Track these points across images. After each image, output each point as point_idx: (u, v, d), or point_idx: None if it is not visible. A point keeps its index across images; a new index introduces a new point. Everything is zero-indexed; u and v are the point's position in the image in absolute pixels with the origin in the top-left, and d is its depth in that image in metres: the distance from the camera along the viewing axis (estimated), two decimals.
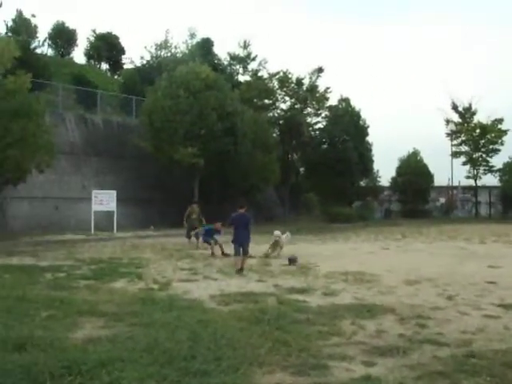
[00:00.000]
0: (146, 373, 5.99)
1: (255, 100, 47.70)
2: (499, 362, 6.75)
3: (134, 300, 10.67)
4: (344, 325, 8.74)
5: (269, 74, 51.29)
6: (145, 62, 52.34)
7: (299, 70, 51.32)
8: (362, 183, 55.70)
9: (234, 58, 57.24)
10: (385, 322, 9.05)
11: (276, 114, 51.00)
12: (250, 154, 38.22)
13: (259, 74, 53.84)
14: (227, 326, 8.33)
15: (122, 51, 61.66)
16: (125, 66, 60.10)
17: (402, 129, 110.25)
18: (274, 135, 48.91)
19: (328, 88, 51.06)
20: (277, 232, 19.55)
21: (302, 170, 55.86)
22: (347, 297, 11.45)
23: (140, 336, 7.66)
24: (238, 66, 57.61)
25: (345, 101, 53.72)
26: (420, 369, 6.51)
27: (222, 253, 19.66)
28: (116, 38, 61.05)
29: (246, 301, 10.70)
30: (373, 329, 8.52)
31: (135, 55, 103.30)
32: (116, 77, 60.70)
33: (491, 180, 63.29)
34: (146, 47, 52.35)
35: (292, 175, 51.44)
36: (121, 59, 61.80)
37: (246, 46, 56.78)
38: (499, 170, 62.19)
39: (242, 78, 55.80)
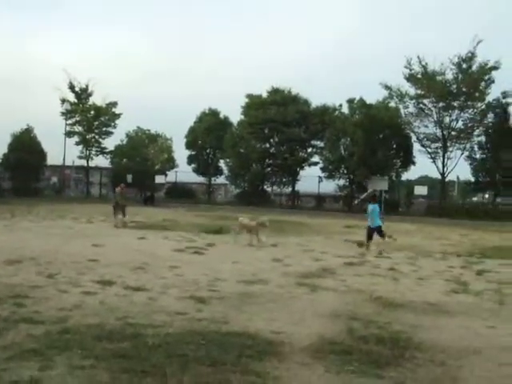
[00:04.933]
0: None
1: None
2: (91, 336, 7.19)
3: None
4: None
5: None
6: None
7: None
8: None
9: None
10: None
11: None
12: None
13: None
14: None
15: None
16: None
17: (16, 104, 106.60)
18: None
19: None
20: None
21: None
22: None
23: None
24: None
25: None
26: (13, 348, 6.59)
27: None
28: None
29: None
30: None
31: None
32: None
33: (103, 161, 65.29)
34: None
35: None
36: None
37: None
38: (111, 152, 64.44)
39: None
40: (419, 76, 50.26)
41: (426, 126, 51.71)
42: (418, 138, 52.54)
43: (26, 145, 58.22)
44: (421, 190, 53.66)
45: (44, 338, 7.07)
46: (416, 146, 53.23)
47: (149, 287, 10.96)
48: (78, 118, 63.07)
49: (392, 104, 53.35)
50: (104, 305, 9.22)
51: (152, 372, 5.90)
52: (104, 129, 63.63)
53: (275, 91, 59.34)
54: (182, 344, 6.92)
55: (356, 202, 55.43)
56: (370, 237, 20.23)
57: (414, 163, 54.40)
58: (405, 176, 57.92)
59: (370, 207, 20.90)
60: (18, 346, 6.66)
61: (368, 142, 50.24)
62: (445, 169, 51.64)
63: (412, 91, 51.43)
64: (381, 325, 8.51)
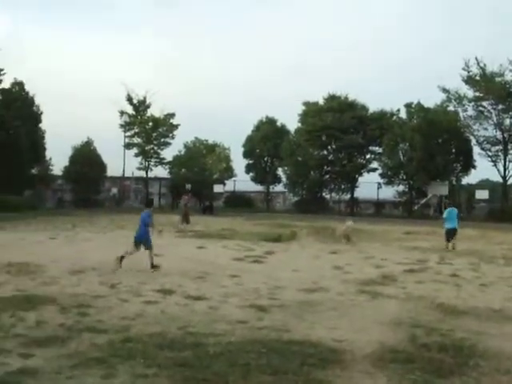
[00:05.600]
0: None
1: None
2: (153, 344, 7.24)
3: None
4: (3, 318, 8.55)
5: None
6: None
7: None
8: (34, 171, 53.95)
9: None
10: (45, 312, 9.04)
11: None
12: None
13: None
14: None
15: None
16: None
17: (77, 117, 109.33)
18: None
19: (1, 70, 48.38)
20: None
21: None
22: (9, 289, 11.15)
23: None
24: None
25: (19, 85, 51.55)
26: (77, 357, 6.68)
27: None
28: None
29: None
30: (33, 320, 8.46)
31: None
32: None
33: (162, 172, 66.19)
34: None
35: None
36: None
37: None
38: (169, 163, 65.27)
39: None
40: (478, 78, 49.29)
41: (486, 129, 50.93)
42: (477, 142, 51.62)
43: (86, 157, 59.47)
44: (482, 194, 52.65)
45: (107, 346, 7.15)
46: (476, 150, 52.22)
47: (209, 296, 10.98)
48: (136, 130, 64.16)
49: (450, 107, 52.48)
50: (165, 314, 9.29)
51: (214, 380, 5.89)
52: (162, 140, 64.49)
53: (332, 98, 59.21)
54: (244, 353, 6.88)
55: (416, 207, 54.71)
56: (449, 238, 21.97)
57: (474, 167, 53.42)
58: (465, 180, 56.93)
59: (448, 211, 22.94)
60: (82, 355, 6.75)
61: (427, 146, 49.56)
62: (506, 172, 50.50)
63: (470, 94, 50.56)
64: (443, 332, 8.31)
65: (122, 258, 14.35)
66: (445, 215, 23.00)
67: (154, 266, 14.39)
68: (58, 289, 11.31)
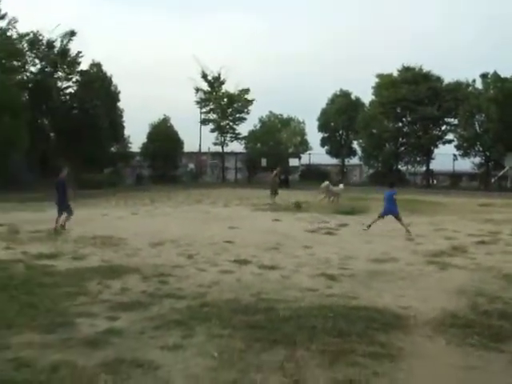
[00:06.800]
0: None
1: (3, 61, 45.10)
2: (227, 309, 7.80)
3: None
4: (90, 285, 9.29)
5: (18, 34, 48.53)
6: None
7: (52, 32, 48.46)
8: (113, 149, 55.46)
9: None
10: (129, 280, 9.76)
11: (25, 77, 48.61)
12: None
13: (8, 34, 50.81)
14: None
15: None
16: None
17: (153, 95, 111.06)
18: (23, 99, 46.67)
19: (80, 52, 49.79)
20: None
21: (52, 135, 54.05)
22: (95, 260, 11.98)
23: None
24: None
25: (96, 66, 52.92)
26: (159, 319, 7.32)
27: None
28: None
29: None
30: (118, 287, 9.18)
31: None
32: None
33: (238, 147, 66.89)
34: None
35: (42, 141, 49.62)
36: None
37: None
38: (245, 138, 65.86)
39: None
40: None
41: None
42: None
43: (163, 134, 60.51)
44: None
45: (186, 310, 7.76)
46: None
47: (282, 266, 11.48)
48: (212, 106, 64.87)
49: None
50: (240, 282, 9.84)
51: (283, 341, 6.38)
52: (237, 115, 65.03)
53: (406, 69, 58.20)
54: (311, 317, 7.33)
55: (493, 179, 53.55)
56: None
57: None
58: None
59: None
60: (163, 318, 7.37)
61: (503, 117, 48.22)
62: None
63: None
64: (506, 300, 8.53)
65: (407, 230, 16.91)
66: None
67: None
68: (140, 260, 12.06)
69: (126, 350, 6.14)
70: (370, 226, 17.58)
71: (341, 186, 33.33)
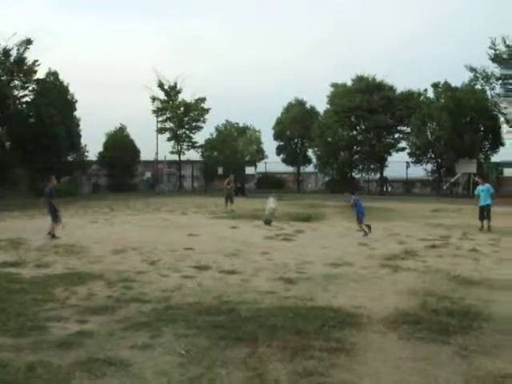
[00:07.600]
0: None
1: None
2: (192, 311, 8.23)
3: None
4: (57, 292, 9.59)
5: None
6: None
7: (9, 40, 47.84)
8: (70, 158, 55.14)
9: None
10: (94, 286, 10.08)
11: None
12: None
13: None
14: None
15: None
16: None
17: (110, 104, 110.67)
18: None
19: (36, 61, 49.41)
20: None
21: (8, 144, 53.41)
22: (59, 267, 12.24)
23: None
24: None
25: (53, 74, 52.72)
26: (127, 321, 7.70)
27: None
28: None
29: None
30: (84, 293, 9.51)
31: None
32: None
33: (194, 155, 67.16)
34: None
35: None
36: None
37: None
38: (201, 146, 66.19)
39: None
40: (505, 56, 49.11)
41: None
42: (506, 120, 51.38)
43: (119, 143, 60.47)
44: (510, 172, 52.70)
45: (152, 313, 8.16)
46: (505, 128, 52.05)
47: (241, 270, 11.93)
48: (168, 115, 65.10)
49: (478, 86, 52.43)
50: (201, 286, 10.25)
51: (245, 339, 6.82)
52: (194, 124, 65.39)
53: (360, 79, 59.36)
54: (272, 317, 7.80)
55: (445, 186, 54.96)
56: (482, 216, 21.60)
57: (503, 145, 53.30)
58: (494, 158, 56.75)
59: (479, 188, 22.49)
60: (131, 320, 7.76)
61: (455, 125, 49.66)
62: None
63: (498, 72, 50.34)
64: (454, 300, 9.10)
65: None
66: (476, 192, 22.76)
67: None
68: (104, 266, 12.37)
69: (98, 350, 6.48)
70: (366, 233, 18.58)
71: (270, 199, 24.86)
